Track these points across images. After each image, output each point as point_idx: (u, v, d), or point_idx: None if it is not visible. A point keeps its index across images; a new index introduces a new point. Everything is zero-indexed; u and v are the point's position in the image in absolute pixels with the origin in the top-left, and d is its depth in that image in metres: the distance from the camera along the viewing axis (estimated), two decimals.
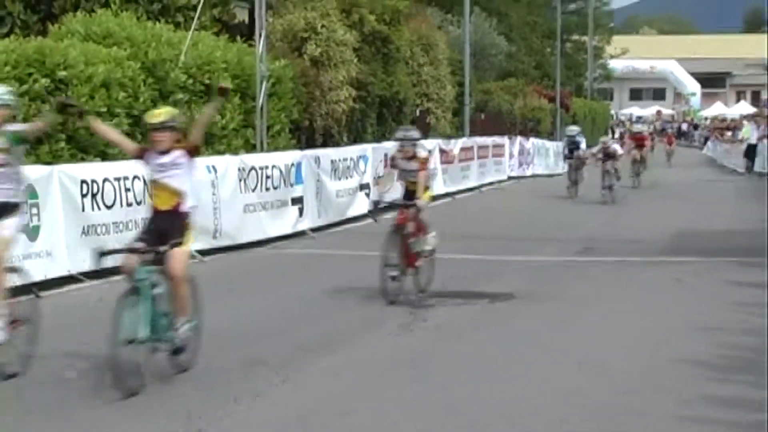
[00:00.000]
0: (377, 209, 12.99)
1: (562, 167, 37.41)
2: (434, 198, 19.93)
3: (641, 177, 32.20)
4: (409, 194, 12.60)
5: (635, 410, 7.42)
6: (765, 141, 36.58)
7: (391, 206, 13.08)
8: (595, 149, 28.89)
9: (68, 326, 10.42)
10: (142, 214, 14.27)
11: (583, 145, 29.10)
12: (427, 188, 12.70)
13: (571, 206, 26.08)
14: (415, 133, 13.09)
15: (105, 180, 13.76)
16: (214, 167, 16.08)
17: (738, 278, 13.56)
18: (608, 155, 27.59)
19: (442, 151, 27.94)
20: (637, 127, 39.29)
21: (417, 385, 8.20)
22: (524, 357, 9.25)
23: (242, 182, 16.83)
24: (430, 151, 23.80)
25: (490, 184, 33.22)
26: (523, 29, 55.91)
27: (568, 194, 28.18)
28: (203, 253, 15.30)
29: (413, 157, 12.54)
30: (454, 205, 26.45)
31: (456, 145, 29.80)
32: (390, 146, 24.18)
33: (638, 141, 34.88)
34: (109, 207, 13.74)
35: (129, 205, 14.10)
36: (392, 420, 7.20)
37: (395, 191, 13.36)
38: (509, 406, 7.54)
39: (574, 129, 30.96)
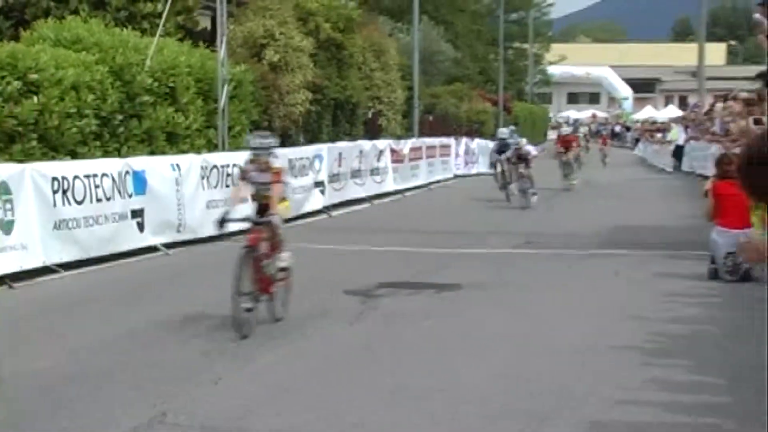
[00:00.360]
0: (222, 227, 10.42)
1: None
2: (311, 214, 19.70)
3: (573, 178, 31.27)
4: (262, 210, 10.48)
5: (575, 393, 7.45)
6: (691, 142, 36.92)
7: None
8: (509, 153, 26.90)
9: (42, 314, 10.37)
10: (111, 209, 14.25)
11: (523, 146, 27.46)
12: (284, 199, 10.64)
13: (512, 203, 26.18)
14: (271, 140, 10.89)
15: (75, 177, 13.64)
16: (178, 165, 16.00)
17: (668, 270, 13.67)
18: (521, 158, 25.61)
19: (392, 151, 28.02)
20: (565, 130, 39.05)
21: (369, 368, 8.21)
22: (470, 342, 9.28)
23: (205, 179, 16.76)
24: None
25: (438, 182, 33.32)
26: (468, 37, 56.09)
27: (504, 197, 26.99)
28: (168, 246, 15.24)
29: (267, 168, 10.44)
30: (403, 202, 26.50)
31: (406, 146, 29.87)
32: (344, 146, 24.30)
33: (565, 143, 34.43)
34: (79, 202, 13.62)
35: (98, 200, 13.99)
36: (346, 399, 7.21)
37: (246, 207, 11.26)
38: (455, 386, 7.56)
39: (504, 131, 28.62)
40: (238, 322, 9.47)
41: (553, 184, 28.48)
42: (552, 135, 48.25)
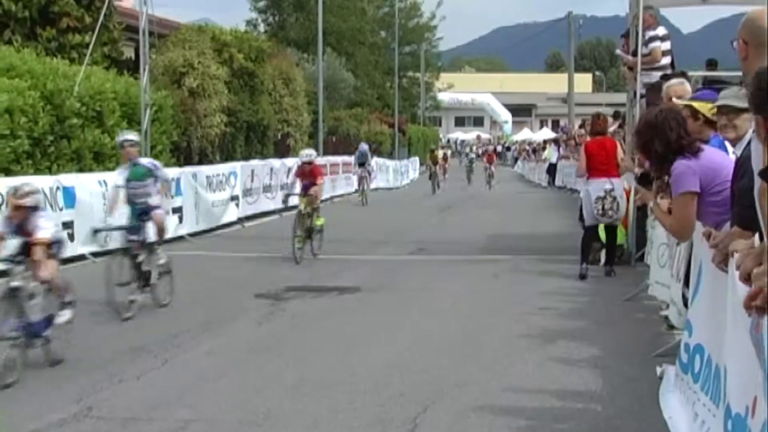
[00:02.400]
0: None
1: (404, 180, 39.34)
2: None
3: (438, 192, 35.02)
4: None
5: (458, 382, 7.50)
6: (562, 160, 37.58)
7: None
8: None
9: None
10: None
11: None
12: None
13: (405, 213, 26.32)
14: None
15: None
16: (104, 181, 15.70)
17: (543, 271, 13.88)
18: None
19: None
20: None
21: (276, 363, 8.16)
22: (367, 338, 9.28)
23: None
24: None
25: (341, 195, 33.35)
26: (367, 67, 56.28)
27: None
28: (95, 255, 14.95)
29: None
30: None
31: None
32: (256, 164, 24.13)
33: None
34: None
35: None
36: (254, 392, 7.15)
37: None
38: (352, 378, 7.54)
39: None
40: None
41: (449, 196, 28.81)
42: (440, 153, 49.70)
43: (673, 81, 9.30)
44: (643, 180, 7.30)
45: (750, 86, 4.03)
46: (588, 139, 14.62)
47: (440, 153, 46.02)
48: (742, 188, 4.93)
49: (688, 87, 8.97)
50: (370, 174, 30.61)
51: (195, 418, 6.53)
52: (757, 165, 4.05)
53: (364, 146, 32.87)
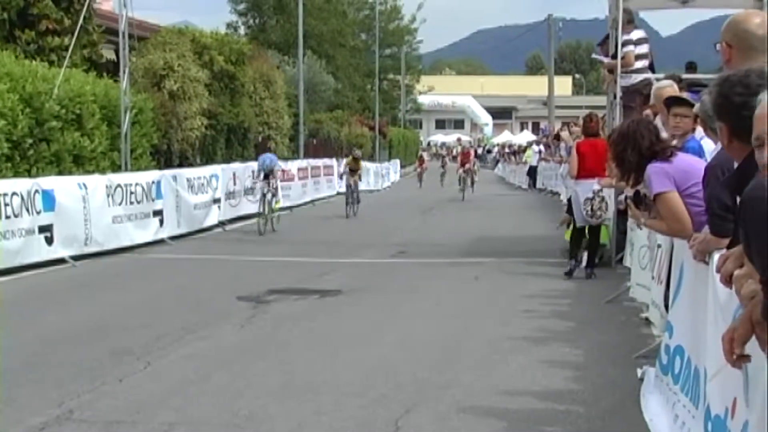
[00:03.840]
0: None
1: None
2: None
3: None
4: None
5: (441, 383, 7.53)
6: (543, 163, 37.72)
7: None
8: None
9: None
10: (18, 225, 13.88)
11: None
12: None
13: (387, 215, 26.36)
14: None
15: None
16: (84, 184, 15.71)
17: (524, 274, 13.94)
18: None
19: (281, 171, 27.97)
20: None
21: (259, 366, 8.16)
22: (349, 340, 9.30)
23: (110, 197, 16.48)
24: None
25: (323, 198, 33.37)
26: (347, 69, 56.34)
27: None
28: (75, 258, 14.92)
29: None
30: (292, 216, 26.43)
31: (293, 166, 29.89)
32: (237, 167, 24.09)
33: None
34: None
35: (7, 217, 13.64)
36: (238, 394, 7.15)
37: None
38: (336, 380, 7.56)
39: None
40: None
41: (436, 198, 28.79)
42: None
43: (664, 83, 9.42)
44: (636, 198, 7.36)
45: (713, 93, 4.07)
46: (581, 139, 14.61)
47: (425, 155, 46.35)
48: (709, 196, 5.00)
49: (676, 89, 9.08)
50: (276, 191, 22.20)
51: (179, 421, 6.54)
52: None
53: (269, 154, 23.91)
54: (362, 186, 40.74)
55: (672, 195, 6.40)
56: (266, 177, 21.63)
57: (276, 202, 21.23)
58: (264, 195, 21.26)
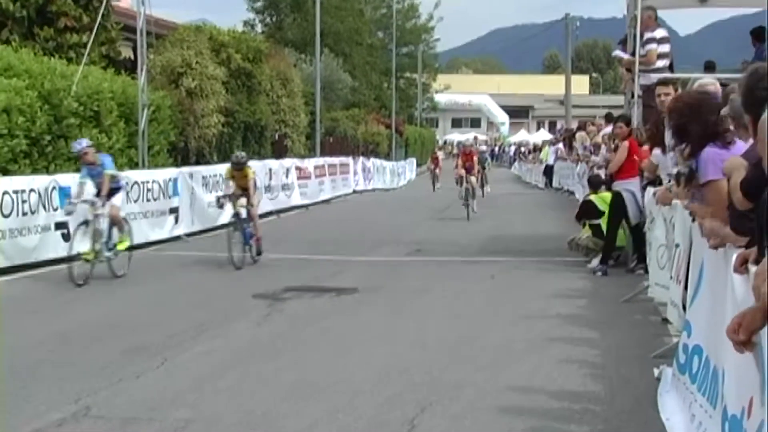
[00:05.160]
0: None
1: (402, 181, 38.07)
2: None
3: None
4: None
5: (455, 383, 7.51)
6: (560, 162, 37.59)
7: None
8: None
9: None
10: (35, 221, 13.94)
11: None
12: None
13: (403, 215, 26.30)
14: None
15: (5, 193, 13.34)
16: None
17: (539, 272, 13.90)
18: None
19: (298, 169, 28.07)
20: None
21: (274, 364, 8.16)
22: (365, 339, 9.29)
23: (127, 194, 16.51)
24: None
25: (339, 197, 33.38)
26: (364, 68, 56.33)
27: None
28: None
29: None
30: (307, 214, 26.45)
31: (310, 164, 29.93)
32: (254, 164, 24.03)
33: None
34: (6, 216, 13.32)
35: (24, 214, 13.70)
36: (253, 392, 7.15)
37: None
38: (350, 379, 7.56)
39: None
40: None
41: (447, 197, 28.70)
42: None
43: (705, 80, 9.38)
44: (679, 178, 7.16)
45: (741, 85, 4.05)
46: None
47: (440, 154, 45.83)
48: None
49: (719, 86, 9.01)
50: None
51: (194, 418, 6.54)
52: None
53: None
54: (378, 184, 40.86)
55: (725, 184, 6.26)
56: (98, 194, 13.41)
57: (120, 240, 13.84)
58: (88, 223, 13.13)
